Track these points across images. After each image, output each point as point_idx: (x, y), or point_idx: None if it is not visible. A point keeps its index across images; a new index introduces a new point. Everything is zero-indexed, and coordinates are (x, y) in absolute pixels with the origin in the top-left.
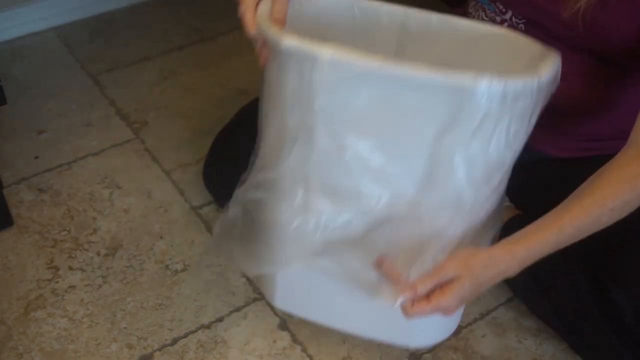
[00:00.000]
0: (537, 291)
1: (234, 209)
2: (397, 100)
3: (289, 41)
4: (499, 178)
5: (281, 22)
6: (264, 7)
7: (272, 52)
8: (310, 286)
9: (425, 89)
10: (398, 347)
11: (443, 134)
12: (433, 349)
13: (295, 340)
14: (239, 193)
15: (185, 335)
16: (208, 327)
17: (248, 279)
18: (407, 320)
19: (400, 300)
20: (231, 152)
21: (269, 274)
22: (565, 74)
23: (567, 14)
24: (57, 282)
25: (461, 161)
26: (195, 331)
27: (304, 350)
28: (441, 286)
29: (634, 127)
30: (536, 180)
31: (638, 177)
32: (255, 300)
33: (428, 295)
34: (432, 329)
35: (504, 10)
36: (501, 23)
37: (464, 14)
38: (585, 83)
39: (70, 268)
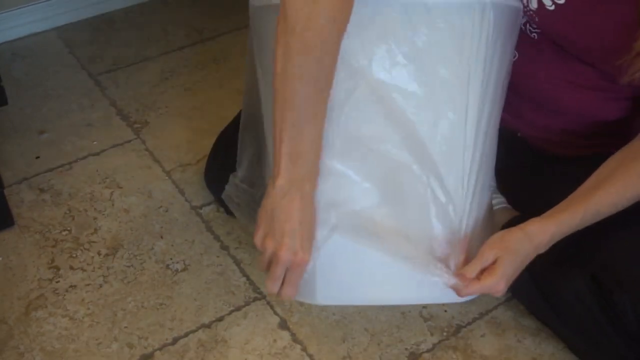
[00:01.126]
0: (538, 293)
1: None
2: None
3: None
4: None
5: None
6: None
7: None
8: (353, 269)
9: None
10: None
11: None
12: (432, 349)
13: (295, 339)
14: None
15: (186, 335)
16: (208, 326)
17: (248, 278)
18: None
19: (453, 283)
20: (233, 152)
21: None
22: (574, 84)
23: (625, 81)
24: (58, 282)
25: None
26: (196, 330)
27: (303, 349)
28: (487, 268)
29: None
30: (534, 181)
31: None
32: (255, 299)
33: (477, 277)
34: None
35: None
36: None
37: None
38: (591, 93)
39: (71, 268)
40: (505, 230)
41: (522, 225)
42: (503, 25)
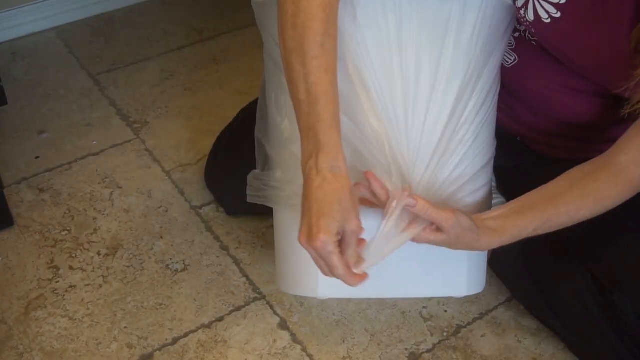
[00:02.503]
0: (538, 293)
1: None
2: None
3: None
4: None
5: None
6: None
7: None
8: None
9: None
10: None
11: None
12: (433, 349)
13: (295, 339)
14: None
15: (186, 335)
16: (208, 326)
17: (248, 278)
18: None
19: (402, 200)
20: (233, 153)
21: (307, 269)
22: (574, 90)
23: (616, 89)
24: (57, 282)
25: None
26: (196, 331)
27: (303, 349)
28: (432, 227)
29: (616, 146)
30: (533, 182)
31: (611, 199)
32: (255, 299)
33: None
34: (471, 280)
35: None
36: (514, 31)
37: None
38: (588, 98)
39: (71, 268)
40: (471, 220)
41: (481, 226)
42: (492, 14)
